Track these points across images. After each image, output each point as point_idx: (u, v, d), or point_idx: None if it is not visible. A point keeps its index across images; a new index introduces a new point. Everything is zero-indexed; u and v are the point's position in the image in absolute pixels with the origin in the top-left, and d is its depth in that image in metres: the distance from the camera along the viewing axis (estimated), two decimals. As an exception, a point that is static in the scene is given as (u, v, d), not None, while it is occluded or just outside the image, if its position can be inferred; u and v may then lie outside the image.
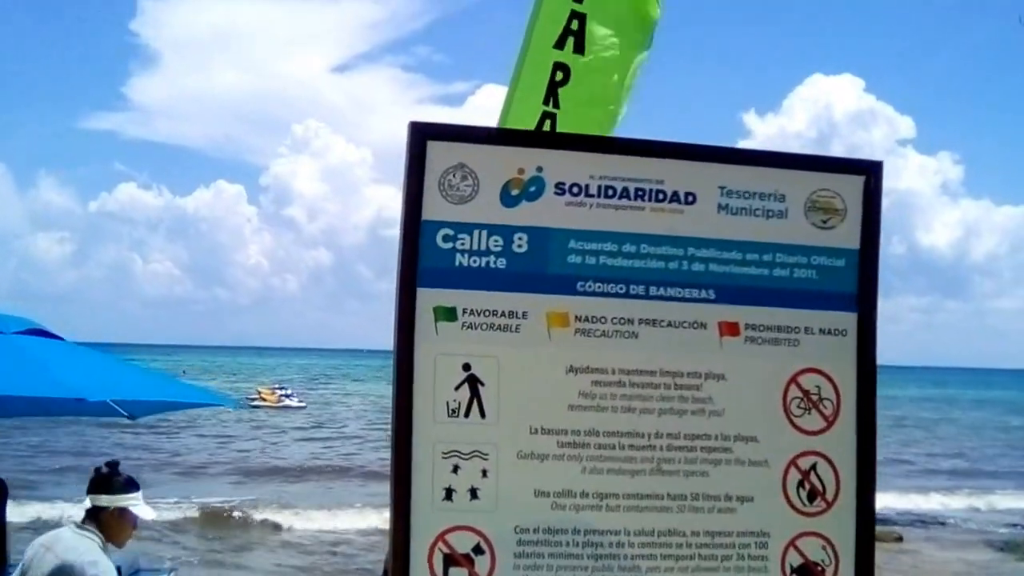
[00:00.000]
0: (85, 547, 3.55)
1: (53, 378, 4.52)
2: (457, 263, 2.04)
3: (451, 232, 2.04)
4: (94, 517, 3.67)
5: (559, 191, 2.09)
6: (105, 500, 3.67)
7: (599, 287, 2.10)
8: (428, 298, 2.02)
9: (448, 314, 2.02)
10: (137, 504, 3.74)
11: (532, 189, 2.08)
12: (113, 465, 3.81)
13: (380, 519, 16.45)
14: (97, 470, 3.79)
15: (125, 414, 5.81)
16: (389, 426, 2.05)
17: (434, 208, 2.03)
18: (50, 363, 4.72)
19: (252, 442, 30.62)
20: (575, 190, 2.10)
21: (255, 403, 41.95)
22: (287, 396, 46.58)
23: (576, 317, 2.08)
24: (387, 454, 2.05)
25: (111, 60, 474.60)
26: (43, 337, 5.15)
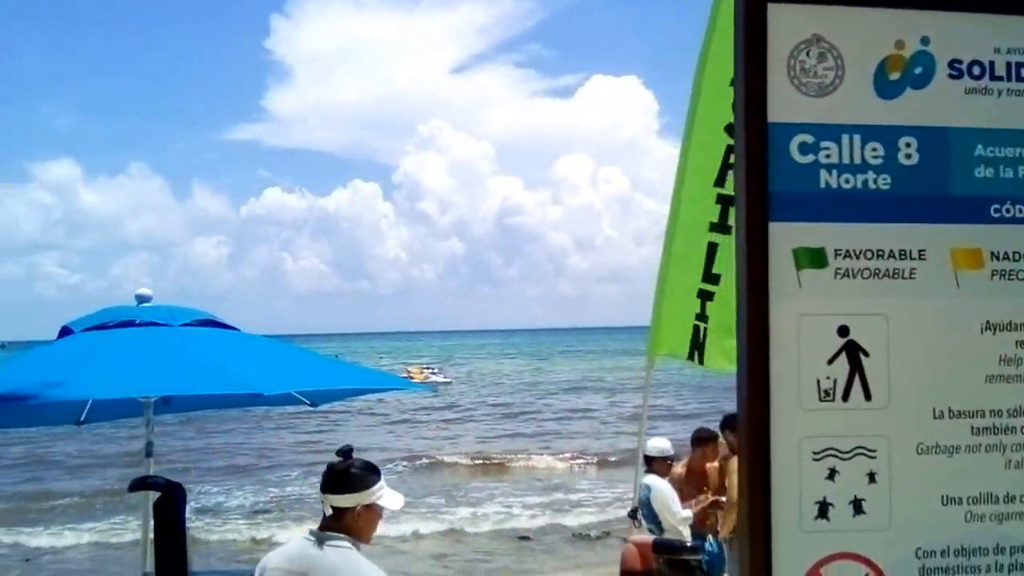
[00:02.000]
0: (352, 565, 3.12)
1: (230, 374, 4.31)
2: (823, 184, 1.52)
3: (811, 139, 1.52)
4: (337, 519, 3.19)
5: (955, 73, 1.55)
6: (349, 499, 3.17)
7: (1022, 211, 1.57)
8: (785, 236, 1.50)
9: (814, 258, 1.51)
10: (383, 495, 3.25)
11: (918, 71, 1.54)
12: (347, 454, 3.29)
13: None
14: (331, 466, 3.28)
15: (307, 402, 5.64)
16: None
17: (784, 104, 1.51)
18: (224, 357, 4.53)
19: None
20: (976, 70, 1.56)
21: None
22: (433, 373, 50.73)
23: (992, 254, 1.55)
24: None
25: (249, 76, 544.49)
26: (214, 328, 5.00)
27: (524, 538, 14.36)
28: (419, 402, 39.14)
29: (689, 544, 4.28)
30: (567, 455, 23.03)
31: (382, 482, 3.27)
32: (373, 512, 3.23)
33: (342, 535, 3.14)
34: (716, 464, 7.34)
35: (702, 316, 5.38)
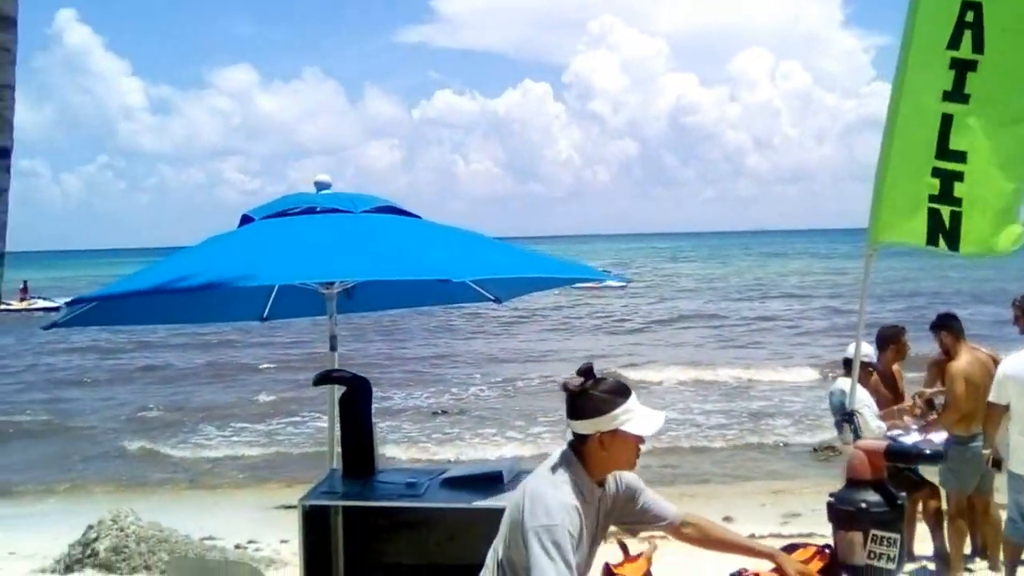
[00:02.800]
0: (549, 488, 2.76)
1: (416, 259, 4.13)
2: None
3: None
4: (580, 444, 2.84)
5: None
6: (587, 426, 2.79)
7: None
8: None
9: None
10: (630, 419, 2.80)
11: None
12: (587, 372, 2.85)
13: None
14: (566, 387, 2.85)
15: (491, 297, 5.46)
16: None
17: None
18: (409, 243, 4.37)
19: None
20: None
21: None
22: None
23: None
24: None
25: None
26: (397, 215, 4.85)
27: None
28: (599, 308, 39.19)
29: (929, 452, 3.83)
30: (763, 366, 22.34)
31: (629, 404, 2.80)
32: (619, 439, 2.81)
33: (569, 467, 2.83)
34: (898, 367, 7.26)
35: (945, 198, 4.78)
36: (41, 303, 45.02)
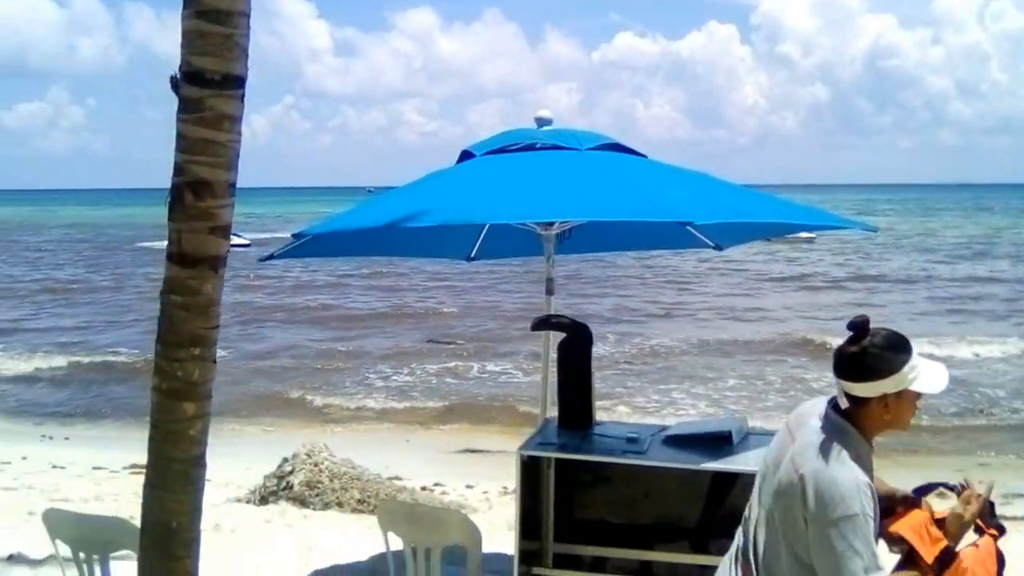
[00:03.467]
0: (834, 469, 2.41)
1: (652, 200, 3.95)
2: None
3: None
4: (854, 407, 2.51)
5: None
6: (868, 388, 2.46)
7: None
8: None
9: None
10: (917, 375, 2.47)
11: None
12: (861, 327, 2.50)
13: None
14: (840, 350, 2.53)
15: (711, 244, 5.24)
16: None
17: None
18: (643, 183, 4.18)
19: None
20: None
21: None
22: None
23: None
24: None
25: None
26: (624, 153, 4.68)
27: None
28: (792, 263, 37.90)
29: None
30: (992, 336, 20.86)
31: (914, 359, 2.49)
32: (904, 399, 2.51)
33: (842, 434, 2.51)
34: None
35: None
36: (237, 239, 47.72)
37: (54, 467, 9.78)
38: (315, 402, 15.11)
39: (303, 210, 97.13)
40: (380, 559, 5.52)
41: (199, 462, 3.23)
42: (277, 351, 19.71)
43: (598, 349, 18.00)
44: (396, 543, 3.96)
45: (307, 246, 4.72)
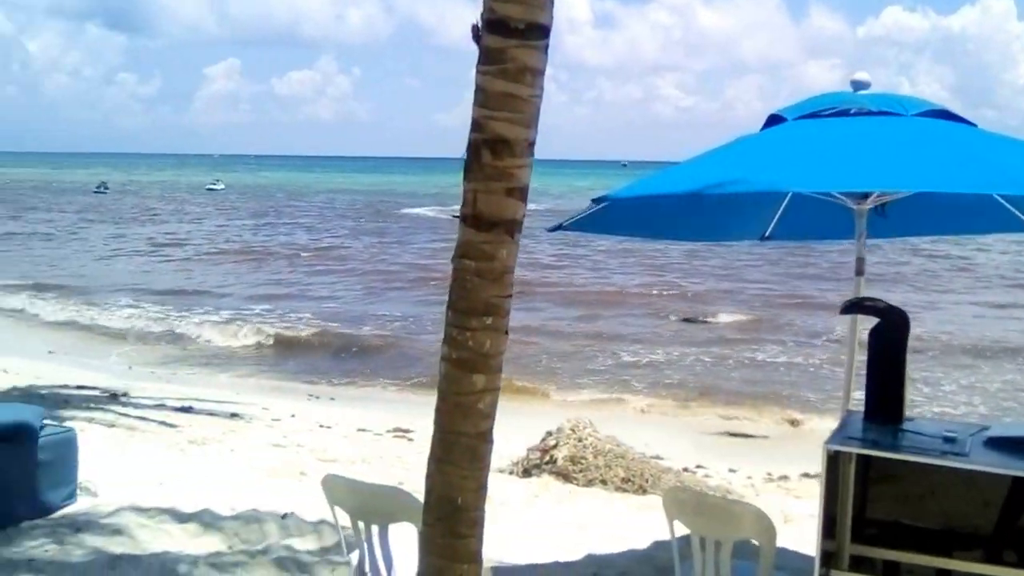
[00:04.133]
0: None
1: (1000, 172, 3.45)
2: None
3: None
4: None
5: None
6: None
7: None
8: None
9: None
10: None
11: None
12: None
13: None
14: None
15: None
16: None
17: None
18: (981, 153, 3.68)
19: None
20: None
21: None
22: None
23: None
24: None
25: None
26: (954, 121, 4.14)
27: None
28: None
29: None
30: None
31: None
32: None
33: None
34: None
35: None
36: None
37: (321, 426, 10.23)
38: (569, 378, 15.08)
39: (557, 183, 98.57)
40: (659, 546, 5.35)
41: (487, 437, 3.07)
42: (530, 328, 19.91)
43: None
44: (679, 532, 3.71)
45: (596, 220, 4.52)
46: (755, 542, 3.53)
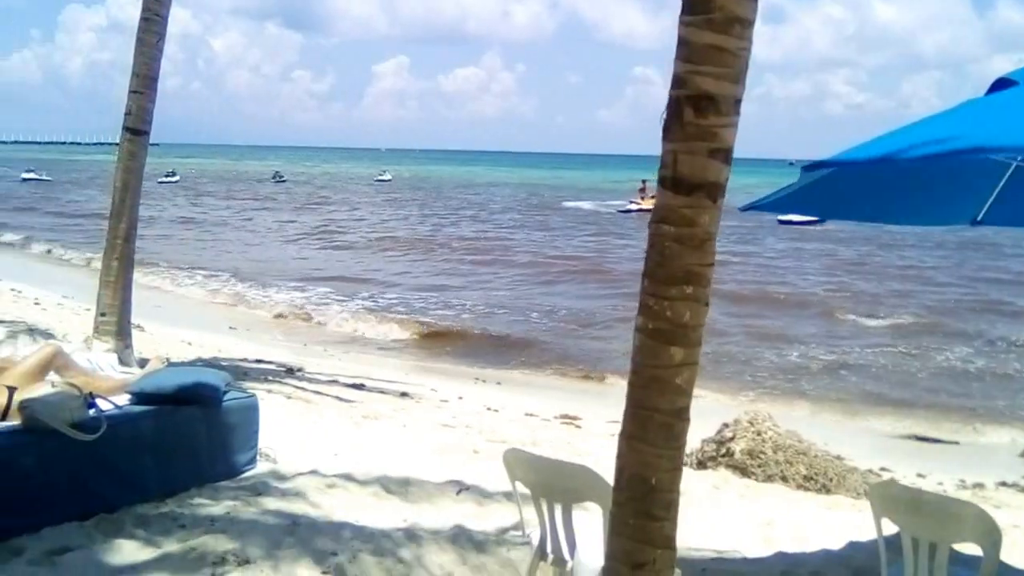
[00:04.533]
0: None
1: None
2: None
3: None
4: None
5: None
6: None
7: None
8: None
9: None
10: None
11: None
12: None
13: None
14: None
15: None
16: None
17: None
18: None
19: None
20: None
21: None
22: None
23: None
24: None
25: None
26: None
27: None
28: None
29: None
30: None
31: None
32: None
33: None
34: None
35: None
36: None
37: (488, 409, 10.25)
38: (736, 376, 14.66)
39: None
40: (855, 547, 5.05)
41: (683, 415, 2.89)
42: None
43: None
44: (886, 531, 3.43)
45: (794, 199, 4.27)
46: (976, 546, 3.21)
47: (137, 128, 8.72)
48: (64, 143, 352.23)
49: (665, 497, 2.90)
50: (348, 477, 5.84)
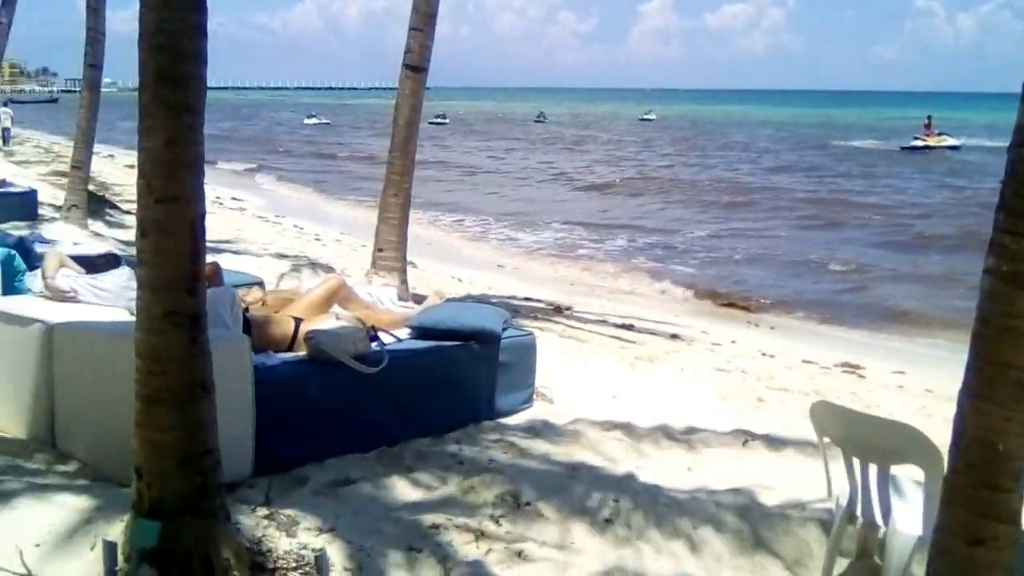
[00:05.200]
0: None
1: None
2: None
3: None
4: None
5: None
6: None
7: None
8: None
9: None
10: None
11: None
12: None
13: None
14: None
15: None
16: None
17: None
18: None
19: None
20: None
21: None
22: None
23: None
24: None
25: None
26: None
27: None
28: None
29: None
30: None
31: None
32: None
33: None
34: None
35: None
36: (948, 140, 47.04)
37: (763, 355, 9.82)
38: None
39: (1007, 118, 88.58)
40: None
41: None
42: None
43: None
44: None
45: None
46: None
47: (417, 65, 8.89)
48: (341, 88, 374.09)
49: (1014, 466, 2.51)
50: (627, 421, 5.68)
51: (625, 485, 4.59)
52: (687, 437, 5.54)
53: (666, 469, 4.96)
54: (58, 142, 39.47)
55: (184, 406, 3.19)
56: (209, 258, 6.21)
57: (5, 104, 37.96)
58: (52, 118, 59.44)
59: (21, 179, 19.56)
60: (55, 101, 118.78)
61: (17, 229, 11.11)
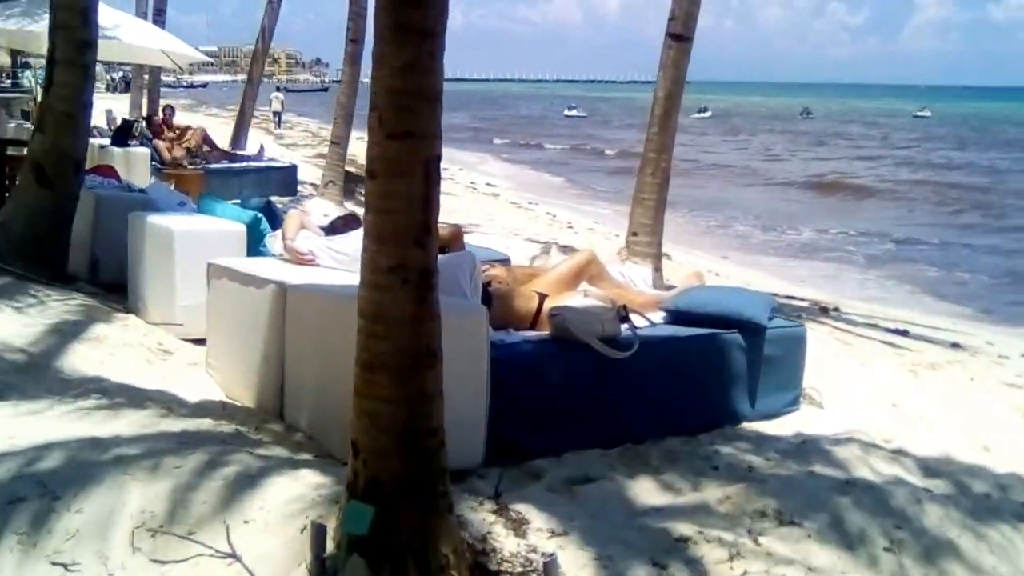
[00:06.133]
0: None
1: None
2: None
3: None
4: None
5: None
6: None
7: None
8: None
9: None
10: None
11: None
12: None
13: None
14: None
15: None
16: None
17: None
18: None
19: None
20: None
21: None
22: None
23: None
24: None
25: None
26: None
27: None
28: None
29: None
30: None
31: None
32: None
33: None
34: None
35: None
36: None
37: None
38: None
39: None
40: None
41: None
42: None
43: None
44: None
45: None
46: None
47: (680, 34, 8.28)
48: (601, 81, 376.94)
49: None
50: (911, 434, 4.88)
51: (908, 511, 3.80)
52: (984, 454, 4.67)
53: (962, 492, 4.12)
54: (325, 127, 41.80)
55: (407, 375, 2.80)
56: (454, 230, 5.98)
57: (279, 89, 40.76)
58: (323, 105, 63.28)
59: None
60: (325, 90, 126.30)
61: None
